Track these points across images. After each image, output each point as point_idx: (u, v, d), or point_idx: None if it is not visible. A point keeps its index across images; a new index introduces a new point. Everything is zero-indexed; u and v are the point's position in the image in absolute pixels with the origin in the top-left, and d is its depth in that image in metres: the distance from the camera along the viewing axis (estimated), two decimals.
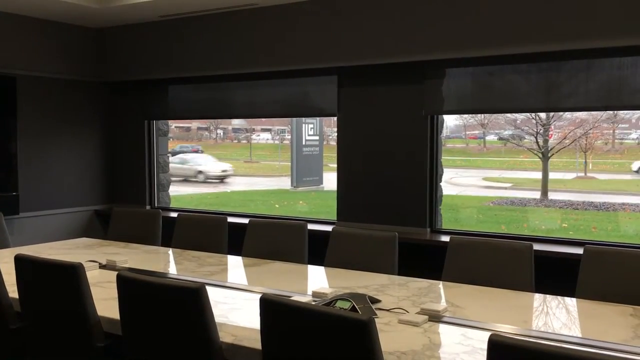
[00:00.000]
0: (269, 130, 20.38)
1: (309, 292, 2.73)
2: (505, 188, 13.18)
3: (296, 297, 2.55)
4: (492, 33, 3.93)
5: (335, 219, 4.78)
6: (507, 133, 12.59)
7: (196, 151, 17.62)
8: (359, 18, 4.41)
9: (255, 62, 4.90)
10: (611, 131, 13.23)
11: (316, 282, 3.08)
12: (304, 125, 12.11)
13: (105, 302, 2.55)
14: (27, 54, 5.19)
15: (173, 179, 6.31)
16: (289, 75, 4.90)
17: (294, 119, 5.03)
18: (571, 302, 2.63)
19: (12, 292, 2.68)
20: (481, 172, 14.49)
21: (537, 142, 11.14)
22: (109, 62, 5.71)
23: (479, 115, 4.11)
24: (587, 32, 3.65)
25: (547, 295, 2.71)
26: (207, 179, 15.46)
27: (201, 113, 5.46)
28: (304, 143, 13.05)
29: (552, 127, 10.57)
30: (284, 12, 4.73)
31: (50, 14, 5.13)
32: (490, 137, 15.90)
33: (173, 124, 13.51)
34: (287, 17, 4.72)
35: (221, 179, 15.75)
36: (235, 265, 3.40)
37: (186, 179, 15.22)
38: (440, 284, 2.93)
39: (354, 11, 4.43)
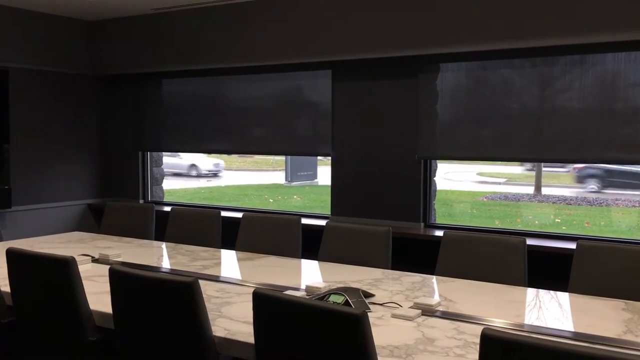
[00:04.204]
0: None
1: (303, 286, 2.73)
2: (500, 183, 13.22)
3: (289, 292, 2.55)
4: (487, 28, 3.93)
5: (330, 213, 4.78)
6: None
7: None
8: (354, 12, 4.39)
9: (249, 55, 4.88)
10: None
11: (310, 276, 3.08)
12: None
13: (98, 296, 2.54)
14: (20, 46, 5.15)
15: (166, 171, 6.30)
16: (283, 69, 4.89)
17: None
18: (564, 296, 2.64)
19: (4, 285, 2.67)
20: (475, 167, 14.52)
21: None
22: (102, 55, 5.68)
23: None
24: (582, 27, 3.65)
25: (540, 290, 2.72)
26: (200, 175, 15.44)
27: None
28: None
29: None
30: (278, 5, 4.71)
31: (43, 6, 5.09)
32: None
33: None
34: (282, 10, 4.70)
35: (215, 173, 15.74)
36: (228, 260, 3.39)
37: (178, 174, 15.20)
38: (434, 279, 2.93)
39: (348, 4, 4.41)
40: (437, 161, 4.60)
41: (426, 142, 4.34)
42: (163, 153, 6.06)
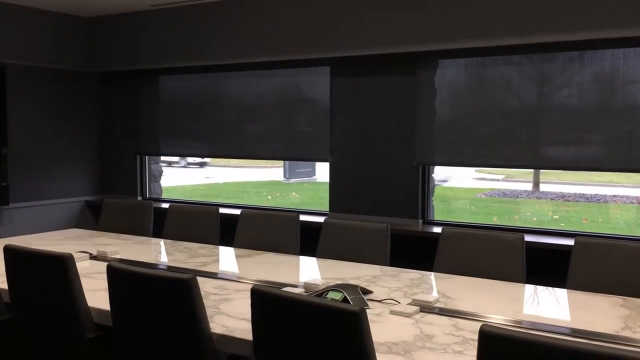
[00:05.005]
0: None
1: (301, 283, 2.73)
2: (498, 180, 13.23)
3: (288, 288, 2.55)
4: (485, 24, 3.92)
5: (328, 210, 4.77)
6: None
7: None
8: (352, 8, 4.38)
9: (247, 52, 4.87)
10: None
11: (308, 273, 3.08)
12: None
13: (96, 293, 2.54)
14: (17, 43, 5.14)
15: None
16: (282, 65, 4.88)
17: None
18: (562, 292, 2.64)
19: (2, 283, 2.67)
20: None
21: None
22: (100, 51, 5.66)
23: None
24: (581, 24, 3.65)
25: (538, 286, 2.72)
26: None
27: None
28: None
29: None
30: (276, 1, 4.70)
31: (40, 2, 5.07)
32: None
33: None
34: (280, 6, 4.69)
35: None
36: (226, 256, 3.39)
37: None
38: (432, 275, 2.93)
39: (347, 1, 4.40)
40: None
41: (424, 143, 4.33)
42: None
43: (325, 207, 4.86)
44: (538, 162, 4.04)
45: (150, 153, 5.75)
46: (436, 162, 4.37)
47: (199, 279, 2.12)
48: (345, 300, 2.31)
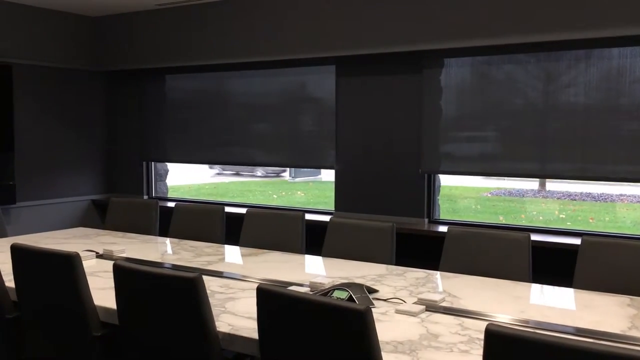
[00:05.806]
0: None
1: (306, 282, 2.73)
2: (504, 178, 13.19)
3: (293, 287, 2.55)
4: (491, 23, 3.91)
5: (333, 209, 4.77)
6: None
7: None
8: (358, 7, 4.38)
9: (253, 51, 4.87)
10: None
11: (313, 272, 3.07)
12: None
13: (102, 292, 2.55)
14: (24, 42, 5.16)
15: None
16: (287, 64, 4.88)
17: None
18: (568, 292, 2.63)
19: (9, 281, 2.68)
20: None
21: None
22: (106, 50, 5.68)
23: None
24: (587, 22, 3.63)
25: (544, 286, 2.71)
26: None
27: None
28: None
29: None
30: (282, 0, 4.70)
31: (46, 2, 5.09)
32: None
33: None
34: (286, 5, 4.69)
35: None
36: (232, 255, 3.39)
37: None
38: (438, 274, 2.93)
39: (352, 0, 4.40)
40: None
41: (430, 147, 4.32)
42: None
43: (331, 206, 4.86)
44: (544, 169, 4.02)
45: (156, 159, 5.76)
46: (441, 171, 4.35)
47: (205, 278, 2.12)
48: (350, 299, 2.31)
